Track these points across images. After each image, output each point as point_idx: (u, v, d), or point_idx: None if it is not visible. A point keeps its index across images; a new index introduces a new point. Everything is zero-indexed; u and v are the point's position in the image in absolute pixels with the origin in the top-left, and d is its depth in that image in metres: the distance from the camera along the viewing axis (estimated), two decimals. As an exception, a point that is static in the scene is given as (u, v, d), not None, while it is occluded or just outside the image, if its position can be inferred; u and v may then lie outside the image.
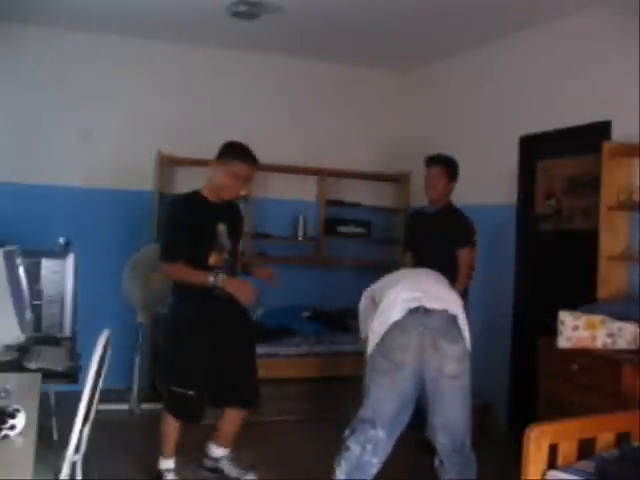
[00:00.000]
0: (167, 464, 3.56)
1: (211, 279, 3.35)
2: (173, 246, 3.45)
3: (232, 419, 3.69)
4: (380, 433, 3.03)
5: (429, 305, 3.09)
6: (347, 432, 3.12)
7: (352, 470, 3.06)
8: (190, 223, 3.43)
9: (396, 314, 3.05)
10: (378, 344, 3.08)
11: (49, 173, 5.24)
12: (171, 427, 3.53)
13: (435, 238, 4.27)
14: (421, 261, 4.05)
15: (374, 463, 3.05)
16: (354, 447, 3.04)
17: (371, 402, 3.05)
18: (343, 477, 3.06)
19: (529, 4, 4.31)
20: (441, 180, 4.34)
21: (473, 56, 5.39)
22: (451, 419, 3.10)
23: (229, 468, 3.74)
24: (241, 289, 3.41)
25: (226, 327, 3.54)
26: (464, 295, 4.01)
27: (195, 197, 3.56)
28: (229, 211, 3.64)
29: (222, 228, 3.53)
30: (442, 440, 3.11)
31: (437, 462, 3.18)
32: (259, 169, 5.54)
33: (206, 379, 3.50)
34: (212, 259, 3.46)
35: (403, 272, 3.68)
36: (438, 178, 4.34)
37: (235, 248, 3.62)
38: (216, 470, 3.76)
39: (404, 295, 3.11)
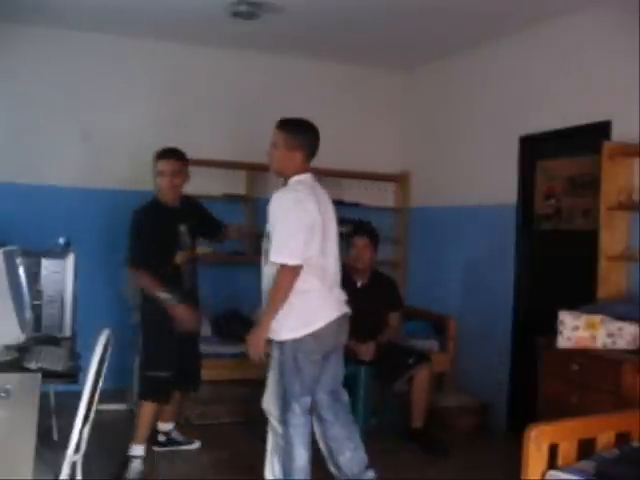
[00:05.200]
0: (138, 450, 3.81)
1: (160, 296, 3.73)
2: (136, 254, 3.81)
3: (175, 400, 4.12)
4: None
5: None
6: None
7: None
8: (154, 229, 3.81)
9: None
10: None
11: (49, 173, 5.24)
12: (148, 414, 3.86)
13: (369, 308, 4.54)
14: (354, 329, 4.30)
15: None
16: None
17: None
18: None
19: (529, 4, 4.30)
20: (367, 250, 4.70)
21: (474, 55, 5.39)
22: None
23: (177, 436, 4.28)
24: (184, 317, 3.78)
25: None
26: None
27: (151, 205, 3.93)
28: (186, 210, 3.99)
29: (182, 228, 3.92)
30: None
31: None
32: (256, 168, 5.54)
33: (175, 364, 3.85)
34: (178, 258, 3.87)
35: None
36: (364, 248, 4.69)
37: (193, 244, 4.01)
38: (168, 442, 4.24)
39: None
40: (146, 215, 3.87)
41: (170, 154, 3.91)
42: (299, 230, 3.08)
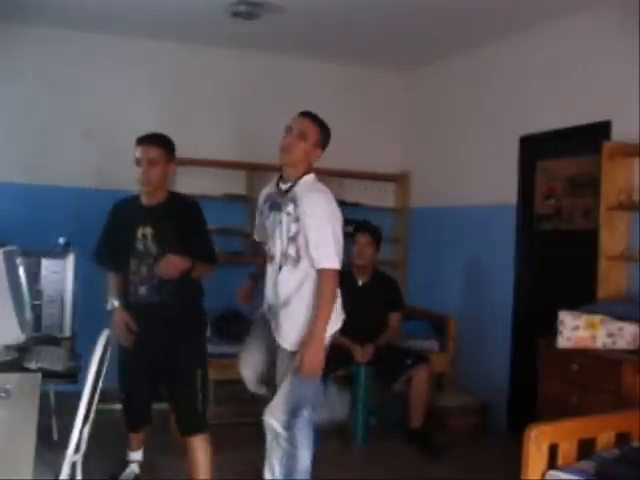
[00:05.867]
0: (133, 456, 3.72)
1: (110, 302, 3.39)
2: (95, 250, 3.53)
3: (190, 447, 3.39)
4: None
5: None
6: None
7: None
8: (111, 229, 3.47)
9: None
10: None
11: (49, 173, 5.23)
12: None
13: (370, 307, 4.62)
14: (354, 327, 4.23)
15: None
16: None
17: None
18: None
19: (530, 4, 4.30)
20: (369, 247, 4.76)
21: (474, 56, 5.39)
22: None
23: None
24: (115, 325, 3.29)
25: (156, 340, 3.30)
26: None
27: (126, 200, 3.48)
28: (162, 213, 3.32)
29: (145, 232, 3.28)
30: None
31: None
32: (256, 168, 5.54)
33: (132, 386, 3.45)
34: (132, 265, 3.31)
35: None
36: (366, 245, 4.75)
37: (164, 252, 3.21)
38: None
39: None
40: (112, 211, 3.49)
41: (148, 140, 3.36)
42: (340, 234, 3.05)
